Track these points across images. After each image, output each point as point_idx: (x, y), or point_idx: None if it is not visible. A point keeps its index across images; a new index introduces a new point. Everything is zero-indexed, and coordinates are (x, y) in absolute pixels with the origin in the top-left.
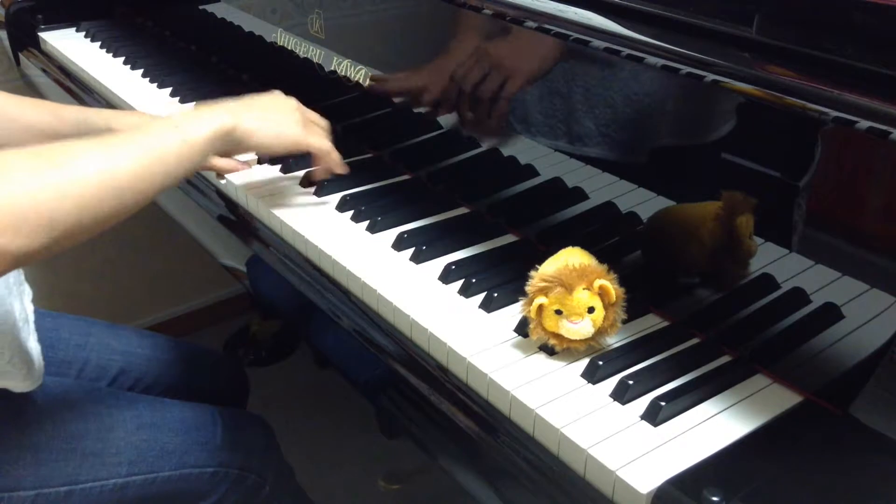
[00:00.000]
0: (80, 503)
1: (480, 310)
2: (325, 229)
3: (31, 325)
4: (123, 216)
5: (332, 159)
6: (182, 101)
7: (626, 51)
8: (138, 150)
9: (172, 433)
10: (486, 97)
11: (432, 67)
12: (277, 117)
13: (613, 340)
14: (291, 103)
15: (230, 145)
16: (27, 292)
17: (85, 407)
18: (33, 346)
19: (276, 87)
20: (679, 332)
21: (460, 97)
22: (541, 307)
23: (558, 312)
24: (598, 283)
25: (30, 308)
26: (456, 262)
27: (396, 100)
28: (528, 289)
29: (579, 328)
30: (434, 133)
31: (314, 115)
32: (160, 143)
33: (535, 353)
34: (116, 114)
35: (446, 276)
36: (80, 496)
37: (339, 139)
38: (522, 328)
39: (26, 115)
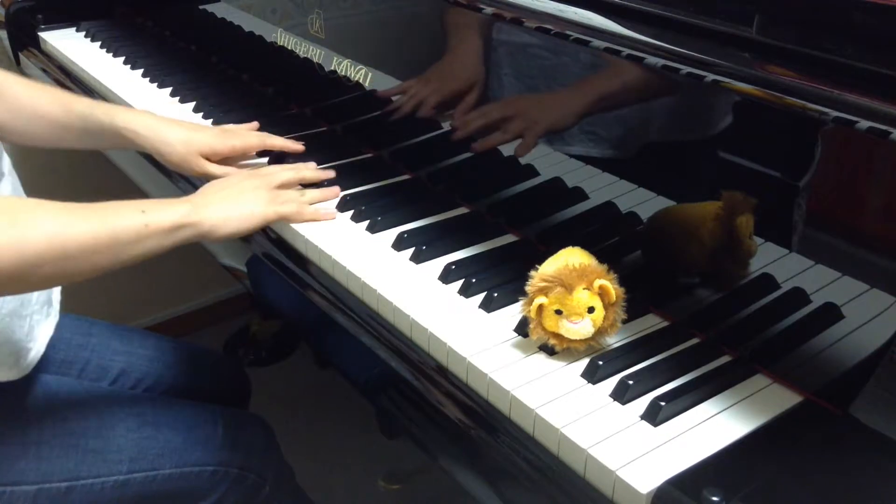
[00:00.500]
0: (80, 499)
1: (480, 310)
2: (324, 229)
3: (54, 308)
4: (78, 279)
5: (308, 218)
6: (182, 101)
7: (626, 51)
8: (96, 223)
9: (173, 432)
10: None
11: (433, 73)
12: (243, 200)
13: (613, 340)
14: (254, 182)
15: (197, 238)
16: None
17: (86, 404)
18: (45, 331)
19: (276, 87)
20: (679, 332)
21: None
22: (541, 307)
23: (558, 312)
24: (598, 283)
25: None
26: (456, 262)
27: (397, 102)
28: (528, 289)
29: (579, 328)
30: (434, 133)
31: (283, 176)
32: (122, 221)
33: (535, 353)
34: (121, 110)
35: (446, 276)
36: (80, 492)
37: (340, 139)
38: (522, 328)
39: (38, 104)
